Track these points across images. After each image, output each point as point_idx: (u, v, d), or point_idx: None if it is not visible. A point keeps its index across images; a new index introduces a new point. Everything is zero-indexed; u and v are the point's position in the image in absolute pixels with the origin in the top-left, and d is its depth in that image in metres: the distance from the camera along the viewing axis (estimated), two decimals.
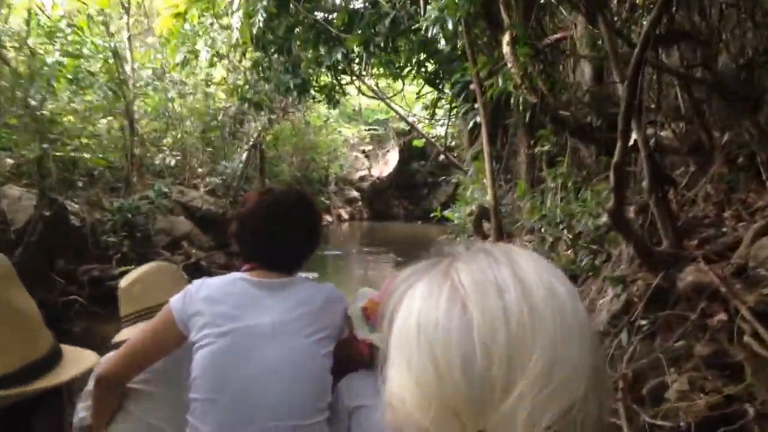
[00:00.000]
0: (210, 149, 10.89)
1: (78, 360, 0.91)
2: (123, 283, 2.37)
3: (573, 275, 5.16)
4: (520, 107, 5.39)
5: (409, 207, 21.21)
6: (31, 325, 0.87)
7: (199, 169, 10.54)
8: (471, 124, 7.53)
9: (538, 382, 0.60)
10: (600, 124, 4.98)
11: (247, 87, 10.24)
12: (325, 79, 11.00)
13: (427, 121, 16.77)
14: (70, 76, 7.57)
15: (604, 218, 4.41)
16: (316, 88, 10.99)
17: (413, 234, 17.20)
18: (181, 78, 9.98)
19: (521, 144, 6.85)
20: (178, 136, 10.18)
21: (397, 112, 14.86)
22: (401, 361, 0.67)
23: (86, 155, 7.29)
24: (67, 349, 0.93)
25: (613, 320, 3.71)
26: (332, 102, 11.46)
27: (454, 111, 12.29)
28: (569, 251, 5.13)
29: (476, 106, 7.60)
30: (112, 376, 2.01)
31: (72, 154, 6.99)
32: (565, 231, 4.89)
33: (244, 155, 11.43)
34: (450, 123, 13.99)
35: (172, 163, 9.70)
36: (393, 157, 20.82)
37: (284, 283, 2.06)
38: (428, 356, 0.64)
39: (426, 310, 0.66)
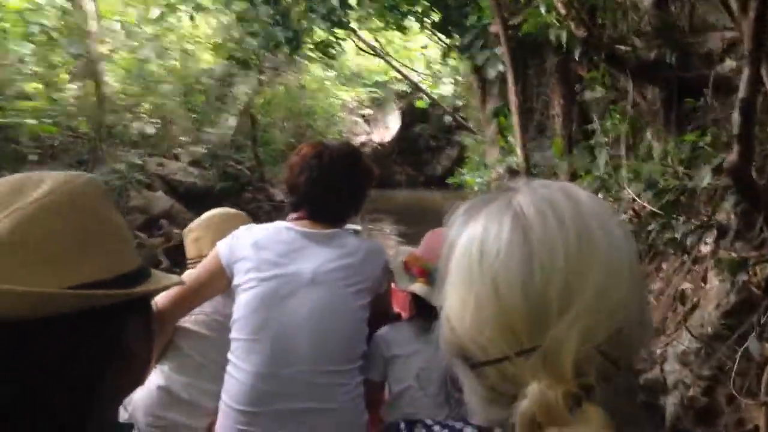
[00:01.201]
0: (194, 115, 9.75)
1: (165, 277, 0.97)
2: (187, 228, 2.55)
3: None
4: (563, 45, 4.31)
5: (412, 173, 20.13)
6: (129, 239, 0.94)
7: (182, 138, 9.39)
8: (492, 74, 6.42)
9: (591, 305, 0.66)
10: (669, 60, 3.91)
11: (232, 44, 9.13)
12: (320, 34, 9.89)
13: (430, 80, 15.63)
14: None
15: (693, 179, 3.38)
16: (310, 45, 9.89)
17: (417, 202, 16.18)
18: (158, 34, 8.83)
19: (554, 94, 5.77)
20: (158, 101, 9.04)
21: (398, 71, 13.70)
22: (462, 283, 0.73)
23: (30, 121, 6.10)
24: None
25: (727, 319, 2.72)
26: (328, 58, 10.35)
27: (465, 64, 11.16)
28: (635, 220, 4.11)
29: (498, 51, 6.52)
30: (163, 313, 2.06)
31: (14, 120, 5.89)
32: (630, 194, 3.85)
33: (233, 121, 10.32)
34: (457, 80, 12.87)
35: (151, 131, 8.60)
36: (394, 121, 19.65)
37: (329, 234, 2.12)
38: (490, 280, 0.70)
39: (489, 237, 0.72)
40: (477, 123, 13.61)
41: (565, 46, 4.29)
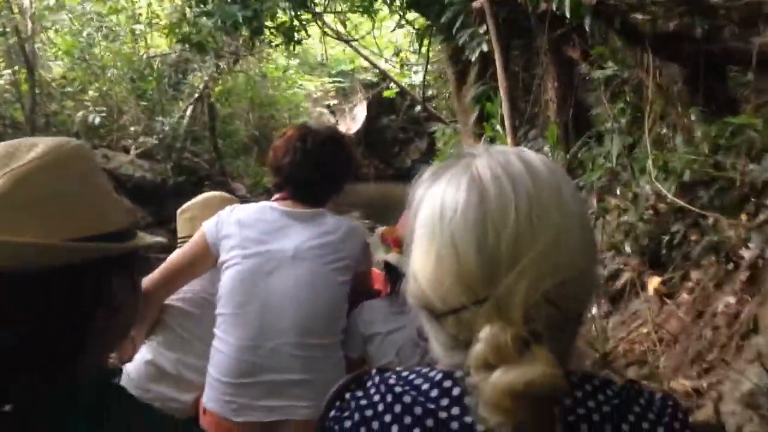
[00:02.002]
0: (144, 103, 8.90)
1: (150, 237, 1.04)
2: (180, 210, 2.67)
3: (652, 252, 3.60)
4: (566, 17, 3.70)
5: (380, 166, 19.45)
6: (117, 201, 1.01)
7: (131, 128, 8.52)
8: (474, 56, 5.77)
9: (538, 259, 0.75)
10: (702, 30, 3.31)
11: (186, 25, 8.31)
12: (282, 17, 9.14)
13: (398, 70, 14.94)
14: None
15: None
16: (272, 28, 9.12)
17: (385, 195, 15.52)
18: (102, 13, 7.97)
19: (547, 76, 5.16)
20: (104, 87, 8.18)
21: (366, 58, 12.99)
22: (425, 240, 0.82)
23: None
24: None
25: None
26: (291, 44, 9.60)
27: (438, 49, 10.50)
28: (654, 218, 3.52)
29: (481, 30, 5.88)
30: (151, 290, 2.12)
31: None
32: (656, 187, 3.25)
33: (189, 111, 9.50)
34: (428, 68, 12.23)
35: (96, 120, 7.74)
36: (361, 112, 18.89)
37: (311, 213, 2.21)
38: (449, 236, 0.79)
39: (448, 198, 0.81)
40: (450, 112, 13.01)
41: (569, 15, 3.68)
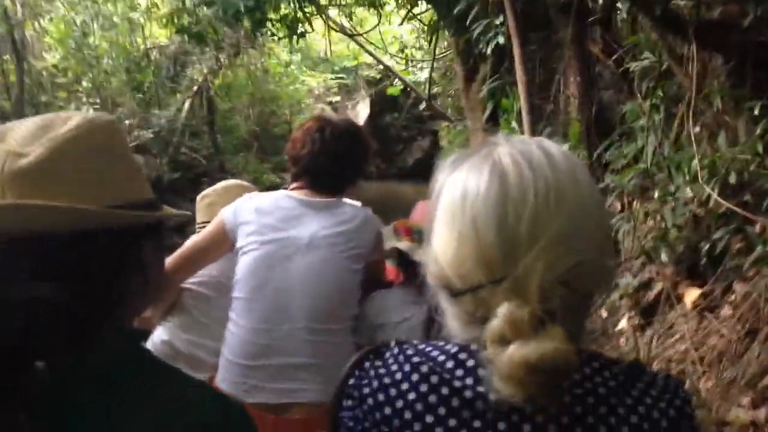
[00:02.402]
0: (140, 95, 8.55)
1: (174, 210, 1.11)
2: (200, 196, 2.75)
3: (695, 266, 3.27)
4: (596, 7, 3.38)
5: (382, 165, 19.08)
6: (143, 174, 1.08)
7: (127, 122, 8.17)
8: (489, 49, 5.45)
9: (555, 241, 0.79)
10: (742, 21, 2.99)
11: (185, 15, 7.98)
12: (285, 9, 8.81)
13: (403, 66, 14.60)
14: None
15: None
16: (275, 20, 8.79)
17: (388, 193, 15.17)
18: (98, 0, 7.62)
19: (569, 70, 4.83)
20: (99, 78, 7.85)
21: (371, 54, 12.67)
22: (447, 222, 0.87)
23: None
24: None
25: None
26: (294, 37, 9.27)
27: (444, 45, 10.21)
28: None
29: (497, 22, 5.57)
30: (169, 272, 2.08)
31: None
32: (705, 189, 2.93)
33: (187, 104, 9.17)
34: (434, 65, 11.91)
35: (89, 112, 7.39)
36: (363, 110, 18.52)
37: (327, 203, 2.26)
38: (470, 218, 0.84)
39: (471, 182, 0.86)
40: (455, 110, 12.68)
41: (600, 4, 3.35)
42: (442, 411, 0.86)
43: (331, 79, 17.36)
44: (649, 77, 3.41)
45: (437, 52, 11.69)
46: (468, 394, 0.85)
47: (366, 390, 0.93)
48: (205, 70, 9.35)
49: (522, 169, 0.84)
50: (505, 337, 0.78)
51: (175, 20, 7.90)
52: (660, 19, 3.12)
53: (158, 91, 8.53)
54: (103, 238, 0.94)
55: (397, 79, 14.73)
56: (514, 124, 4.98)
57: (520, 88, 4.75)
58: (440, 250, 0.88)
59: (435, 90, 13.02)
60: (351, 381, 0.96)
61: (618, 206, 4.28)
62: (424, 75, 13.98)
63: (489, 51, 5.45)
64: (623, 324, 3.40)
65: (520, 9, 4.90)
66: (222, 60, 9.43)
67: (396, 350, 0.95)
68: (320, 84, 17.33)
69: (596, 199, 0.89)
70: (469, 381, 0.86)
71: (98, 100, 7.78)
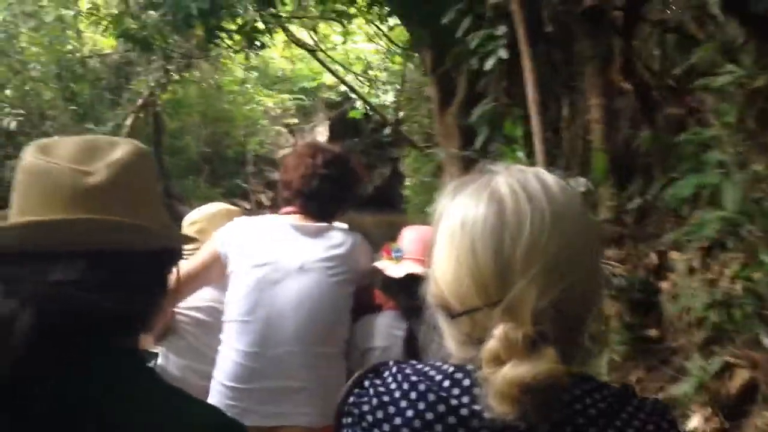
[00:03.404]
0: (74, 108, 7.46)
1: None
2: (185, 221, 2.77)
3: None
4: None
5: None
6: None
7: (56, 137, 7.03)
8: (490, 63, 4.61)
9: (548, 267, 0.86)
10: None
11: (129, 19, 6.98)
12: (244, 17, 7.91)
13: (367, 88, 13.79)
14: None
15: None
16: (231, 30, 7.88)
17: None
18: None
19: (591, 91, 4.03)
20: (26, 86, 6.75)
21: (333, 73, 11.81)
22: (446, 247, 0.93)
23: None
24: None
25: None
26: (252, 48, 8.35)
27: (411, 67, 9.47)
28: None
29: (498, 32, 4.76)
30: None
31: None
32: None
33: (129, 120, 8.12)
34: (403, 86, 11.15)
35: (12, 125, 6.29)
36: (322, 133, 17.57)
37: (318, 228, 2.32)
38: (468, 243, 0.90)
39: (469, 209, 0.92)
40: (423, 136, 11.93)
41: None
42: (438, 428, 0.89)
43: (289, 99, 16.42)
44: (734, 96, 2.60)
45: (405, 74, 10.95)
46: (464, 412, 0.89)
47: (365, 407, 0.96)
48: (152, 83, 8.32)
49: (519, 200, 0.90)
50: (500, 358, 0.83)
51: (117, 24, 6.90)
52: (761, 19, 2.33)
53: (95, 104, 7.45)
54: (157, 256, 1.05)
55: (358, 102, 13.97)
56: (520, 154, 4.14)
57: (532, 110, 3.93)
58: (439, 274, 0.95)
59: (400, 114, 12.27)
60: (351, 399, 1.00)
61: (654, 259, 3.48)
62: (388, 98, 13.23)
63: (488, 67, 4.62)
64: (696, 422, 2.55)
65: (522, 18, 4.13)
66: (171, 72, 8.41)
67: (394, 369, 0.98)
68: (277, 104, 16.38)
69: (589, 228, 0.97)
70: (465, 399, 0.89)
71: (22, 111, 6.67)
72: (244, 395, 2.11)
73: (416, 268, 2.17)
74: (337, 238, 2.30)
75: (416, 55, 11.03)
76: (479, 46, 4.73)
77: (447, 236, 0.94)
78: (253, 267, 2.21)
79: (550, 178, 0.94)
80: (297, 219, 2.32)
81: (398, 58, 12.63)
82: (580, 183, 3.82)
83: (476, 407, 0.88)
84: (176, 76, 9.05)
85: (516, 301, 0.84)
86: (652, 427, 0.89)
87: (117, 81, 8.16)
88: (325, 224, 2.32)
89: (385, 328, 2.26)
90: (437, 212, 0.98)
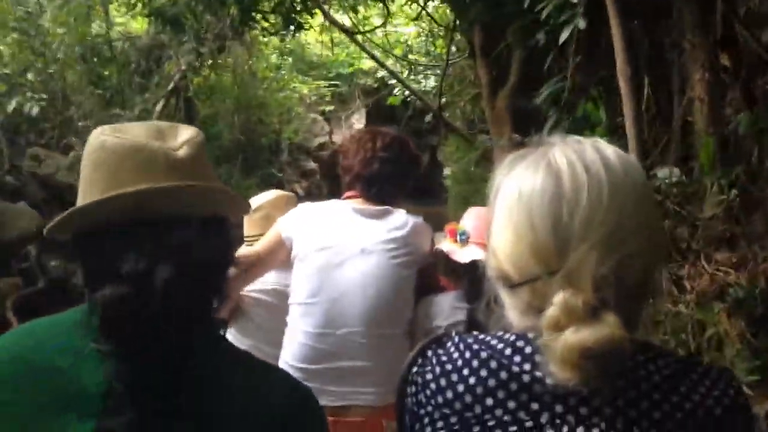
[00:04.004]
0: (100, 91, 6.98)
1: None
2: (253, 206, 2.78)
3: None
4: None
5: None
6: None
7: (80, 123, 6.53)
8: (565, 34, 4.00)
9: (607, 235, 0.87)
10: None
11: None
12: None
13: (406, 73, 13.18)
14: None
15: None
16: (266, 12, 7.37)
17: None
18: None
19: (694, 64, 3.40)
20: (49, 69, 6.30)
21: (374, 57, 11.23)
22: (504, 219, 0.96)
23: None
24: None
25: None
26: (290, 32, 7.86)
27: (456, 49, 8.87)
28: None
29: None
30: (230, 280, 2.19)
31: None
32: None
33: (159, 105, 7.66)
34: (447, 70, 10.54)
35: (34, 111, 5.86)
36: (359, 121, 16.99)
37: (379, 210, 2.44)
38: (526, 214, 0.92)
39: (527, 181, 0.94)
40: (465, 123, 11.33)
41: None
42: (501, 394, 0.90)
43: (325, 86, 15.86)
44: None
45: (448, 58, 10.34)
46: (526, 378, 0.90)
47: (429, 376, 0.99)
48: (184, 67, 7.84)
49: (576, 169, 0.92)
50: (560, 324, 0.84)
51: (145, 3, 6.43)
52: None
53: (123, 88, 6.98)
54: (228, 225, 1.13)
55: (397, 89, 13.41)
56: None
57: (624, 87, 3.32)
58: (498, 245, 0.97)
59: (443, 101, 11.68)
60: (414, 368, 1.03)
61: None
62: (430, 83, 12.62)
63: (563, 39, 4.01)
64: None
65: None
66: (203, 55, 7.93)
67: (457, 339, 1.00)
68: (312, 91, 15.83)
69: (648, 199, 1.00)
70: (526, 366, 0.91)
71: (45, 96, 6.21)
72: (313, 375, 2.13)
73: (481, 253, 2.10)
74: (398, 220, 2.39)
75: (460, 36, 10.43)
76: (548, 18, 4.14)
77: (505, 208, 0.97)
78: (317, 251, 2.30)
79: (609, 149, 0.96)
80: (358, 202, 2.43)
81: (441, 42, 12.02)
82: (674, 173, 3.22)
83: (538, 374, 0.90)
84: (209, 60, 8.58)
85: (575, 269, 0.86)
86: (717, 393, 0.88)
87: (147, 65, 7.68)
88: (385, 207, 2.42)
89: (448, 308, 2.31)
90: (494, 186, 1.01)
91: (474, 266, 2.08)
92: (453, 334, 1.00)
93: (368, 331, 2.23)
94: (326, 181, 15.84)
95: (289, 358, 2.26)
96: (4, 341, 1.03)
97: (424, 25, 11.10)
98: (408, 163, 2.53)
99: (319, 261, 2.29)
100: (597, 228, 0.87)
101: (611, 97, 3.63)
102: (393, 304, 2.29)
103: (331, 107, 16.55)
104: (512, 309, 0.98)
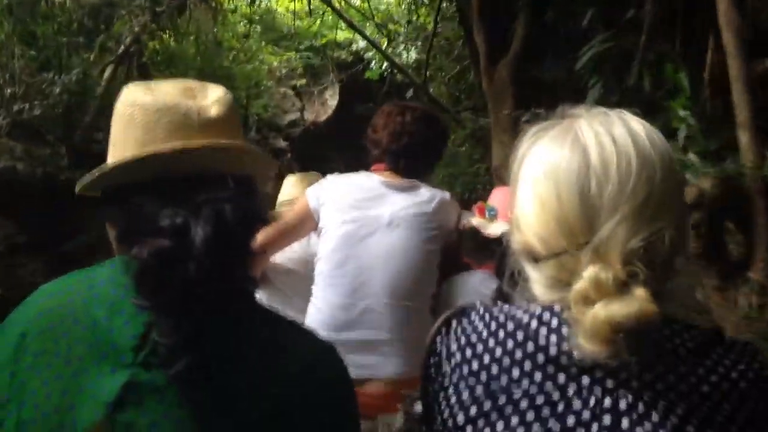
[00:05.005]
0: (33, 53, 5.83)
1: None
2: (281, 196, 3.13)
3: None
4: None
5: (352, 162, 16.58)
6: None
7: (7, 90, 5.34)
8: None
9: (635, 209, 0.86)
10: None
11: None
12: None
13: (384, 45, 12.18)
14: None
15: None
16: None
17: None
18: None
19: None
20: None
21: (353, 26, 10.22)
22: (529, 192, 0.94)
23: None
24: None
25: None
26: None
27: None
28: None
29: None
30: (260, 246, 2.14)
31: None
32: None
33: (108, 71, 6.56)
34: (433, 41, 9.63)
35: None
36: (332, 96, 15.91)
37: (407, 184, 2.47)
38: (553, 187, 0.90)
39: (553, 154, 0.92)
40: (450, 99, 10.49)
41: None
42: (527, 366, 0.90)
43: (296, 59, 14.73)
44: None
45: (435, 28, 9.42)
46: (552, 350, 0.90)
47: (453, 347, 0.99)
48: (137, 28, 6.74)
49: (604, 143, 0.91)
50: (590, 298, 0.84)
51: None
52: None
53: (61, 48, 5.84)
54: (257, 184, 1.14)
55: (374, 62, 12.50)
56: (683, 113, 2.62)
57: (727, 38, 2.41)
58: (523, 219, 0.97)
59: (428, 74, 10.77)
60: (438, 339, 1.03)
61: None
62: (411, 57, 11.68)
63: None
64: None
65: None
66: (161, 16, 6.84)
67: (482, 311, 1.00)
68: (282, 64, 14.68)
69: (672, 169, 0.93)
70: (553, 339, 0.91)
71: None
72: (336, 345, 2.03)
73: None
74: (425, 194, 2.47)
75: (447, 3, 9.47)
76: None
77: (530, 182, 0.96)
78: (344, 222, 2.37)
79: (636, 122, 0.94)
80: (386, 176, 2.49)
81: (424, 10, 11.08)
82: None
83: (565, 346, 0.89)
84: (168, 22, 7.48)
85: (604, 243, 0.85)
86: (743, 367, 0.88)
87: (95, 24, 6.57)
88: (413, 181, 2.49)
89: (475, 287, 2.33)
90: (516, 159, 1.00)
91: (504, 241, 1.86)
92: (478, 305, 0.99)
93: (392, 302, 2.26)
94: (298, 162, 14.64)
95: (312, 326, 2.11)
96: (40, 293, 1.05)
97: None
98: (436, 138, 2.56)
99: (345, 232, 2.32)
100: (626, 201, 0.87)
101: (693, 61, 2.73)
102: (418, 277, 2.32)
103: (303, 81, 15.49)
104: (537, 282, 0.98)
